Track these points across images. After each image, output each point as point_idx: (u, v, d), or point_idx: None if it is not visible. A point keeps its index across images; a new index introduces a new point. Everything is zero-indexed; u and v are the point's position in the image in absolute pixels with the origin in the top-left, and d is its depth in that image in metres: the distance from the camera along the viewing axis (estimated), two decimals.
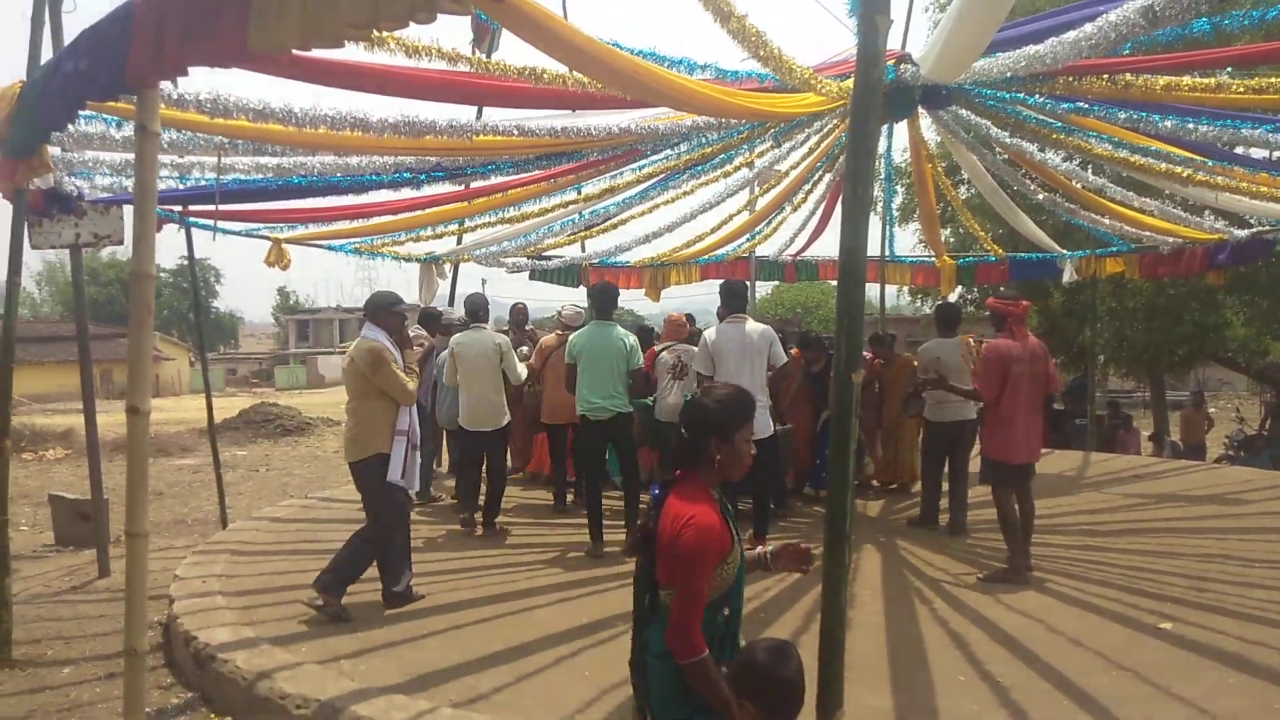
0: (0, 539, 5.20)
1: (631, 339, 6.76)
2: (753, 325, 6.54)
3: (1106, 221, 9.73)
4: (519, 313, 9.75)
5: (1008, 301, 6.06)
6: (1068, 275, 11.36)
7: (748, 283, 7.66)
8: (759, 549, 2.47)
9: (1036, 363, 5.91)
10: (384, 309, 5.49)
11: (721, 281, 7.22)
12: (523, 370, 7.34)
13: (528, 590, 5.69)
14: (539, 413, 8.04)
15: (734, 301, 6.69)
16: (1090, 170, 9.49)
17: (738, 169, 9.13)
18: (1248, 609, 5.15)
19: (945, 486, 7.44)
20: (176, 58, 2.87)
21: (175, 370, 50.38)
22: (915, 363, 7.89)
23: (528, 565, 6.34)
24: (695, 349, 7.64)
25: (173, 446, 18.54)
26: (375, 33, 2.75)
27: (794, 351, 8.30)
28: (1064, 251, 11.57)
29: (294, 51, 2.98)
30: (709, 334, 6.64)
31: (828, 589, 2.23)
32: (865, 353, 9.03)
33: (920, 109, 7.55)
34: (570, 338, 6.88)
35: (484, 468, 7.50)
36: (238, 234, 8.39)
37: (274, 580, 5.94)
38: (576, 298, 12.05)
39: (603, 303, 6.84)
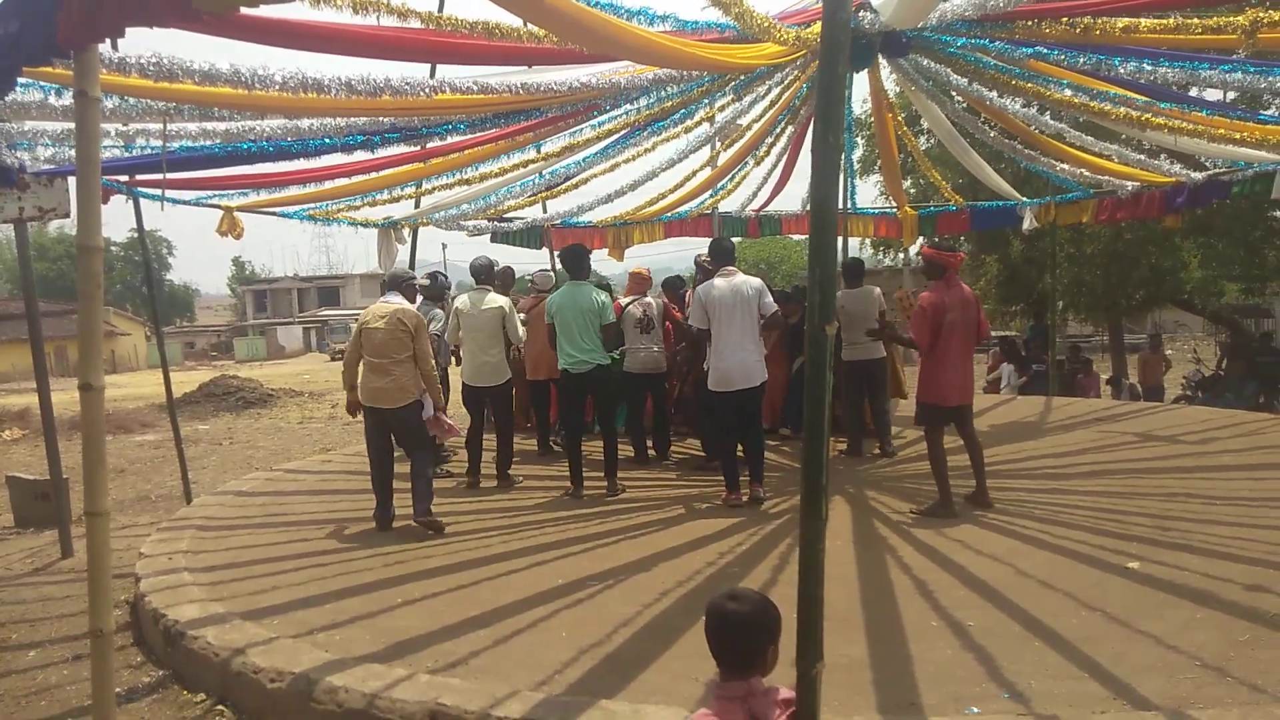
0: None
1: (603, 297, 7.21)
2: (743, 277, 6.70)
3: (1064, 167, 9.78)
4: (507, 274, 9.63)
5: (945, 252, 6.47)
6: (1028, 223, 11.45)
7: (733, 239, 7.79)
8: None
9: (968, 310, 6.24)
10: (406, 282, 6.83)
11: (710, 239, 7.61)
12: (523, 332, 7.70)
13: (503, 554, 5.67)
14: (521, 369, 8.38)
15: (723, 256, 6.94)
16: (1049, 115, 9.52)
17: (698, 124, 9.03)
18: (1211, 545, 5.25)
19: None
20: (113, 17, 2.74)
21: (131, 345, 49.54)
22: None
23: (502, 530, 6.31)
24: (656, 302, 7.82)
25: (132, 423, 18.23)
26: None
27: None
28: (1024, 199, 11.63)
29: (241, 10, 2.87)
30: (701, 288, 6.82)
31: (805, 541, 2.22)
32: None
33: (880, 58, 7.52)
34: (547, 299, 7.45)
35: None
36: (187, 203, 8.19)
37: (241, 555, 5.87)
38: (540, 259, 11.98)
39: (575, 264, 7.22)
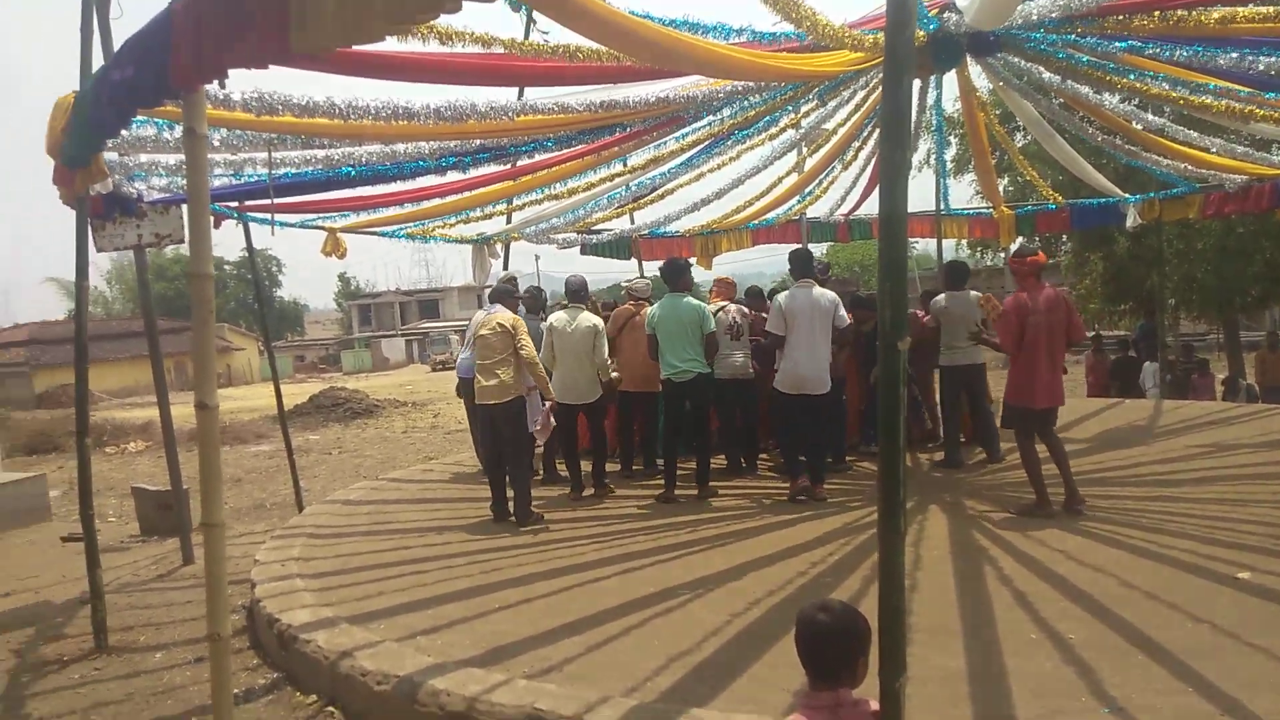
0: (89, 534, 5.44)
1: (703, 307, 7.41)
2: (820, 290, 7.08)
3: (1168, 162, 9.42)
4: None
5: (1026, 258, 6.51)
6: (1131, 220, 11.04)
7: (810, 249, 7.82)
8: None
9: (1054, 312, 6.22)
10: (509, 296, 7.49)
11: (791, 249, 7.59)
12: (604, 355, 7.65)
13: (595, 562, 5.76)
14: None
15: (803, 268, 7.20)
16: (1150, 110, 9.18)
17: (783, 130, 9.02)
18: None
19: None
20: (216, 61, 2.92)
21: (245, 360, 51.71)
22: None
23: (595, 538, 6.41)
24: (746, 309, 7.85)
25: (247, 434, 19.10)
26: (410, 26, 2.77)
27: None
28: (1126, 195, 11.23)
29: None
30: (781, 297, 7.12)
31: (885, 555, 2.23)
32: (916, 310, 9.02)
33: (968, 57, 7.39)
34: (648, 310, 7.60)
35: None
36: (294, 226, 8.57)
37: (349, 561, 6.11)
38: (630, 270, 12.09)
39: (675, 276, 7.45)
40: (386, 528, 7.06)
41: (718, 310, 7.99)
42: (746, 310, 8.13)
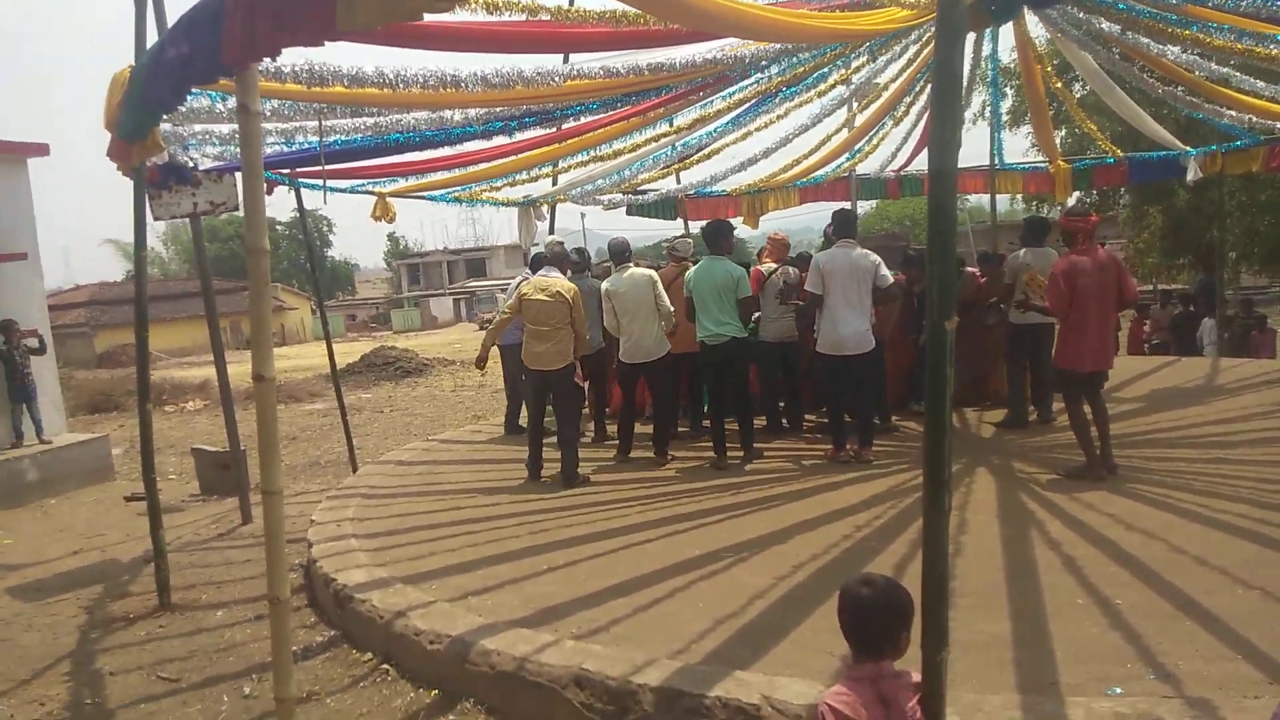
0: (151, 496, 5.64)
1: (739, 270, 7.28)
2: (860, 251, 7.02)
3: (1232, 113, 9.11)
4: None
5: (1076, 218, 6.39)
6: (1192, 174, 10.71)
7: (853, 208, 7.74)
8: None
9: (1105, 274, 6.12)
10: (564, 259, 7.74)
11: (835, 209, 7.56)
12: (668, 303, 7.50)
13: (639, 524, 5.84)
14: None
15: (845, 228, 7.19)
16: (1213, 61, 8.86)
17: (833, 87, 8.86)
18: None
19: None
20: (268, 40, 2.96)
21: (299, 319, 52.59)
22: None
23: (640, 500, 6.49)
24: (795, 270, 7.80)
25: (302, 393, 19.49)
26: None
27: (896, 275, 8.37)
28: (1187, 149, 10.89)
29: None
30: (820, 257, 7.13)
31: (929, 531, 2.25)
32: (973, 269, 8.89)
33: (1025, 9, 7.21)
34: (687, 273, 7.47)
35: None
36: (344, 191, 8.66)
37: (402, 522, 6.27)
38: (675, 229, 12.05)
39: (715, 239, 7.39)
40: (438, 488, 7.21)
41: (771, 271, 7.95)
42: (795, 271, 8.07)
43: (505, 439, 9.04)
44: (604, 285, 7.68)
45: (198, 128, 6.09)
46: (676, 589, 4.65)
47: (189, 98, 4.66)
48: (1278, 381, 9.46)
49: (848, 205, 12.30)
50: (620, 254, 7.79)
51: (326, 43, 3.00)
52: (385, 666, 4.47)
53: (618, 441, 7.91)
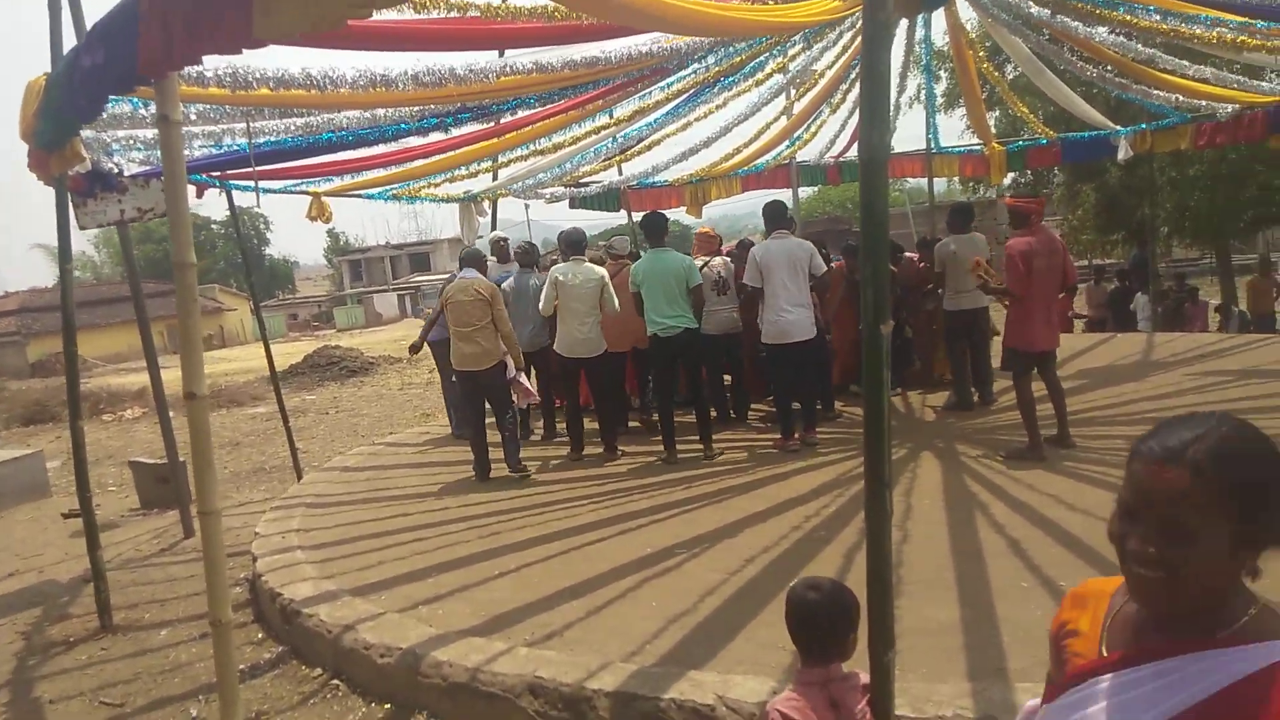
0: (88, 516, 5.47)
1: (687, 260, 7.38)
2: (795, 240, 7.12)
3: (1159, 94, 9.31)
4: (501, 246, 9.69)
5: (1027, 199, 6.57)
6: (1122, 153, 10.92)
7: (786, 202, 7.74)
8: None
9: (1054, 256, 6.32)
10: (480, 260, 7.62)
11: (764, 203, 7.55)
12: (615, 303, 7.46)
13: (592, 524, 5.82)
14: None
15: (777, 220, 7.25)
16: (1139, 42, 9.04)
17: (770, 75, 8.88)
18: None
19: None
20: (185, 48, 2.86)
21: (238, 319, 51.50)
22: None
23: (591, 498, 6.46)
24: (730, 262, 7.84)
25: (244, 396, 19.09)
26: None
27: (836, 263, 8.62)
28: (1117, 128, 11.11)
29: None
30: (756, 250, 7.20)
31: (872, 538, 2.25)
32: (912, 254, 9.00)
33: None
34: (632, 266, 7.48)
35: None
36: (277, 192, 8.48)
37: (349, 531, 6.16)
38: (619, 220, 12.03)
39: (657, 231, 7.41)
40: (385, 494, 7.11)
41: (702, 265, 7.97)
42: (729, 263, 8.10)
43: (452, 440, 8.95)
44: (554, 271, 7.51)
45: (121, 133, 5.92)
46: (629, 589, 4.64)
47: (108, 105, 4.52)
48: (1209, 355, 9.73)
49: (788, 192, 12.37)
50: (576, 245, 7.67)
51: (245, 49, 2.91)
52: (335, 682, 4.38)
53: (568, 439, 7.85)
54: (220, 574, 3.45)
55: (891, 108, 9.77)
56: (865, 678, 2.38)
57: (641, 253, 8.39)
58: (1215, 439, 1.21)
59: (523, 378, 7.53)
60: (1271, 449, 1.22)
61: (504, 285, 7.94)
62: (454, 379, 7.75)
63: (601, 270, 7.55)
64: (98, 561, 5.48)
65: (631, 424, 8.57)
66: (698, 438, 7.37)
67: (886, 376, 2.05)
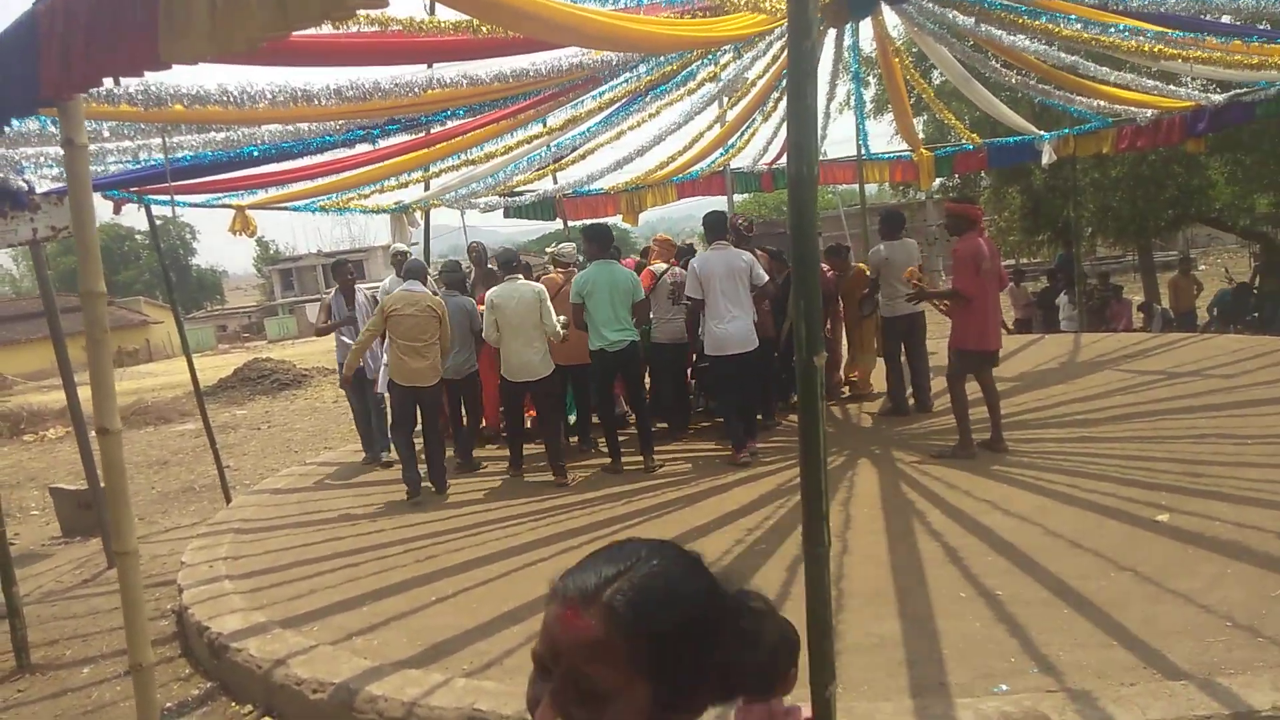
0: (1, 554, 5.20)
1: (633, 275, 7.27)
2: (734, 251, 7.06)
3: (1081, 99, 9.54)
4: (479, 252, 9.39)
5: (968, 204, 6.76)
6: (1046, 157, 11.20)
7: (724, 210, 7.73)
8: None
9: (995, 258, 6.51)
10: (425, 272, 7.58)
11: (703, 215, 7.51)
12: (559, 321, 7.07)
13: (532, 543, 5.72)
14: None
15: (716, 230, 7.20)
16: (1060, 49, 9.25)
17: (701, 84, 8.88)
18: (1242, 491, 5.19)
19: None
20: (86, 70, 2.73)
21: (165, 333, 49.98)
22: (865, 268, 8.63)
23: (530, 515, 6.36)
24: (681, 270, 7.77)
25: (171, 413, 18.52)
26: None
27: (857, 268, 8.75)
28: (1041, 133, 11.37)
29: None
30: (695, 261, 7.12)
31: (810, 568, 2.22)
32: (824, 265, 8.97)
33: (882, 4, 7.35)
34: (576, 278, 7.23)
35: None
36: (198, 205, 8.23)
37: (280, 558, 5.98)
38: (553, 228, 11.92)
39: (604, 242, 7.26)
40: (317, 517, 6.92)
41: (663, 272, 7.90)
42: (681, 270, 8.00)
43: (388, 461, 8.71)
44: (489, 295, 7.13)
45: (29, 150, 5.67)
46: None
47: (13, 125, 4.31)
48: (1134, 355, 9.98)
49: (723, 199, 12.41)
50: (508, 264, 7.35)
51: (151, 72, 2.78)
52: (267, 719, 4.23)
53: (507, 461, 7.63)
54: (140, 616, 3.31)
55: (820, 114, 9.85)
56: (808, 711, 2.35)
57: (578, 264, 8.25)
58: (639, 577, 0.98)
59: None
60: (708, 589, 1.04)
61: None
62: (386, 391, 7.55)
63: (538, 287, 7.17)
64: (13, 598, 5.21)
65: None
66: (637, 450, 7.30)
67: (821, 409, 2.02)
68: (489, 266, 8.67)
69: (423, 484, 7.11)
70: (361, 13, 3.75)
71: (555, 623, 0.98)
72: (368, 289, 9.11)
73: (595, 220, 8.11)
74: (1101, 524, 4.97)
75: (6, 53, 3.06)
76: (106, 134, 5.03)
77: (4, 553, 5.29)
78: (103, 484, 6.93)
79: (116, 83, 4.02)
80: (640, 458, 7.26)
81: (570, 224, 11.94)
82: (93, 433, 7.41)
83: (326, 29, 3.68)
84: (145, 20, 2.46)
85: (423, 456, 7.29)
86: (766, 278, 7.10)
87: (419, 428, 7.40)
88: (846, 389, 9.34)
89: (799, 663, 2.30)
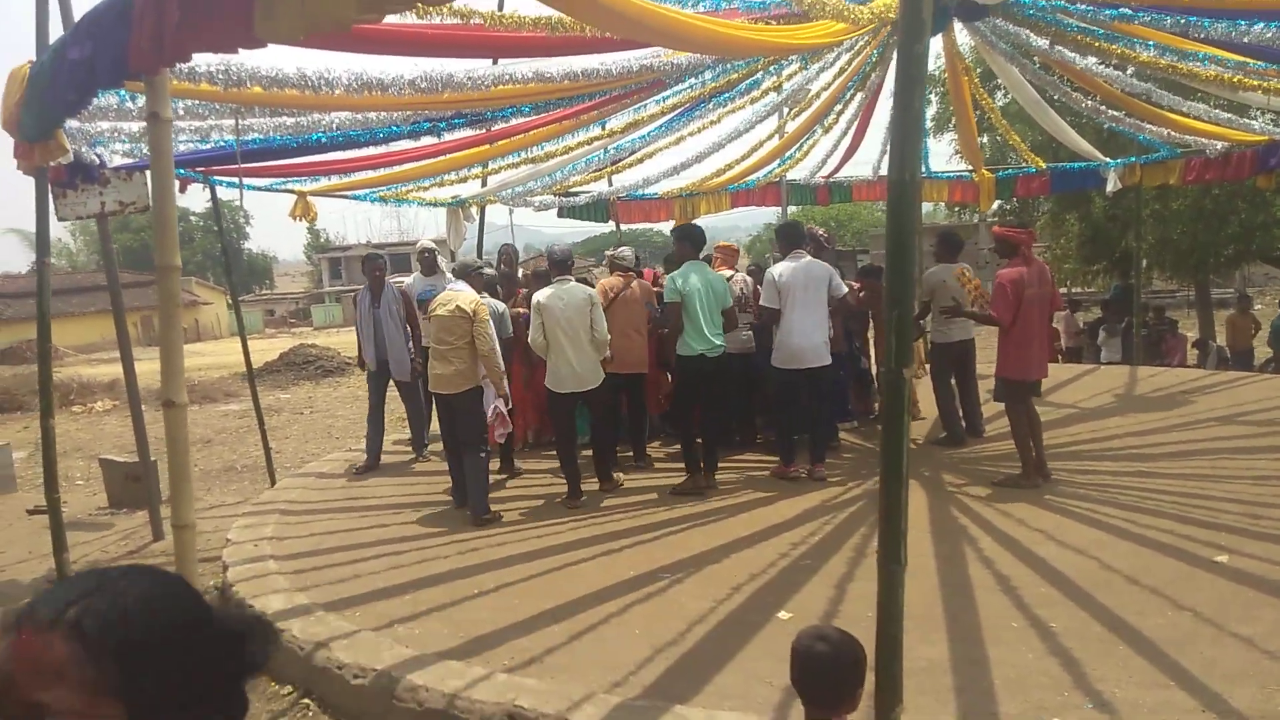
0: (54, 517, 5.30)
1: (725, 279, 6.99)
2: (812, 260, 6.87)
3: (1151, 128, 9.35)
4: (508, 255, 9.27)
5: (1016, 229, 6.56)
6: (1111, 185, 10.99)
7: (799, 220, 7.55)
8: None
9: (1044, 285, 6.37)
10: (473, 271, 6.92)
11: (778, 225, 7.40)
12: (605, 327, 6.66)
13: (574, 543, 5.71)
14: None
15: (794, 240, 6.99)
16: (1133, 75, 9.09)
17: (765, 94, 8.83)
18: None
19: None
20: (178, 45, 2.76)
21: (214, 314, 50.94)
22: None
23: (572, 516, 6.34)
24: (749, 279, 7.61)
25: (217, 393, 18.79)
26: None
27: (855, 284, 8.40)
28: (1107, 160, 11.17)
29: None
30: (774, 270, 6.89)
31: (884, 585, 2.17)
32: (854, 283, 8.59)
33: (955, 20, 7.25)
34: (674, 277, 6.65)
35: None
36: (262, 189, 8.33)
37: (323, 541, 6.02)
38: (607, 230, 11.91)
39: (695, 243, 6.89)
40: (361, 504, 6.96)
41: (728, 279, 7.71)
42: (749, 279, 7.87)
43: (435, 450, 8.74)
44: (535, 298, 6.64)
45: (105, 125, 5.77)
46: (612, 614, 4.52)
47: (95, 98, 4.38)
48: (1193, 391, 9.76)
49: (777, 210, 12.34)
50: (561, 263, 6.82)
51: (242, 49, 2.80)
52: (306, 701, 4.23)
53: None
54: None
55: (883, 129, 9.69)
56: None
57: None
58: (109, 596, 0.90)
59: (502, 405, 6.58)
60: (189, 609, 0.96)
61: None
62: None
63: (590, 290, 6.82)
64: (63, 564, 5.31)
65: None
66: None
67: (906, 423, 1.97)
68: (486, 271, 7.61)
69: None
70: (446, 4, 3.77)
71: (7, 652, 0.87)
72: (396, 282, 8.85)
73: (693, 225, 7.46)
74: (1159, 560, 4.84)
75: (101, 26, 3.10)
76: (180, 112, 5.08)
77: (58, 520, 5.38)
78: (158, 448, 7.01)
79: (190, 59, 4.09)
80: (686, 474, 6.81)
81: (622, 227, 11.94)
82: (146, 406, 7.54)
83: (410, 18, 3.69)
84: None
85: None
86: (845, 289, 6.97)
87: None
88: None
89: (865, 681, 2.26)
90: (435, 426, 8.53)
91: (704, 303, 6.54)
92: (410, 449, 8.73)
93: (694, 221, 7.35)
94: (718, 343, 6.60)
